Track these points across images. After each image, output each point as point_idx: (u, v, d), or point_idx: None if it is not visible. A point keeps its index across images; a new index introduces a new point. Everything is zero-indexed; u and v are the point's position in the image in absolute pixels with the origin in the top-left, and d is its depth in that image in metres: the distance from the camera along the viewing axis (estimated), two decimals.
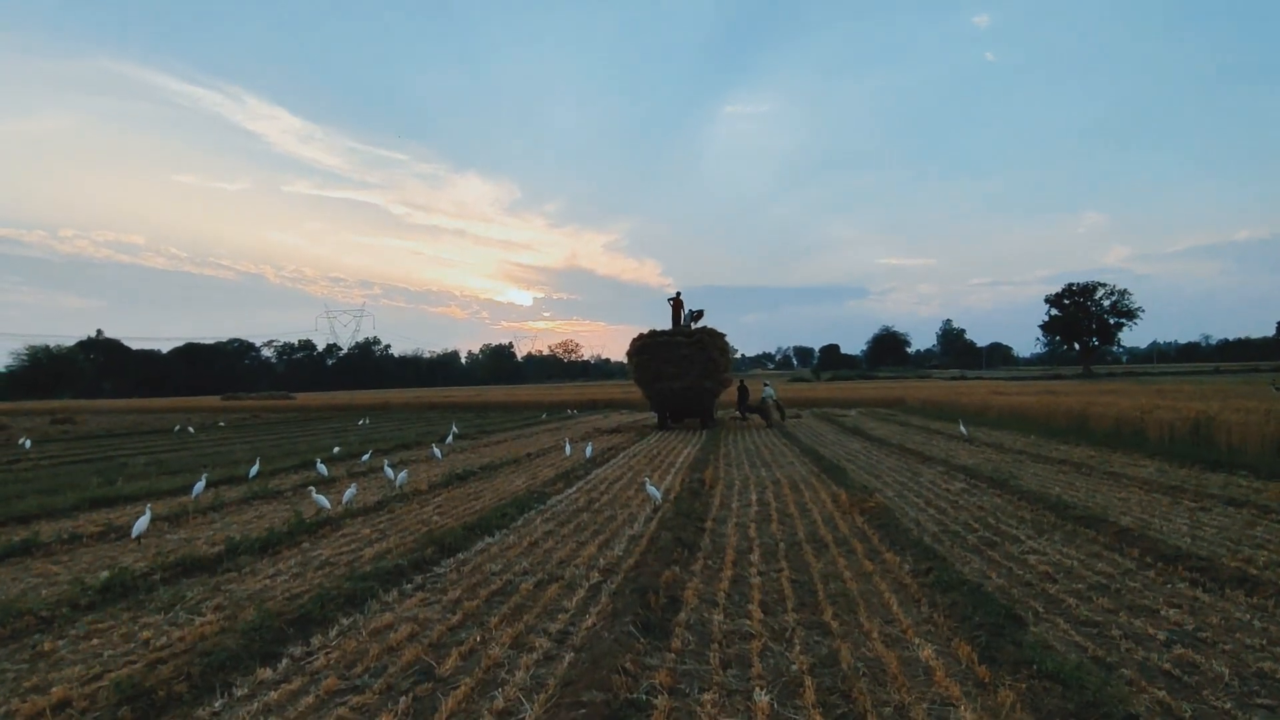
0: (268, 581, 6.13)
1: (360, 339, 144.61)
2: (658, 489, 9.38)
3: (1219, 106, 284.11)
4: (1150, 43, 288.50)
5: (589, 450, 14.49)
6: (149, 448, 21.02)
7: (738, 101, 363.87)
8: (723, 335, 24.24)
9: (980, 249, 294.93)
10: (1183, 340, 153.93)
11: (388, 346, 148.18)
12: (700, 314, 25.80)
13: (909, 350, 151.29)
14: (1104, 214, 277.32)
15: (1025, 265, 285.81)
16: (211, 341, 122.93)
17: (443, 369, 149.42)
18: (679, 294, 26.35)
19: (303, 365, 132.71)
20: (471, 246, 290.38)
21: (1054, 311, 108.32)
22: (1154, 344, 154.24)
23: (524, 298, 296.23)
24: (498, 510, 8.87)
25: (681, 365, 23.08)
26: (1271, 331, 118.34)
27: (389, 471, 11.84)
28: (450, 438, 20.39)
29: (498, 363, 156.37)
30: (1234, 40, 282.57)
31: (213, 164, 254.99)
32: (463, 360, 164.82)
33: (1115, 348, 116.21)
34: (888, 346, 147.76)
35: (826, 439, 18.94)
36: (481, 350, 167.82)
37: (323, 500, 8.99)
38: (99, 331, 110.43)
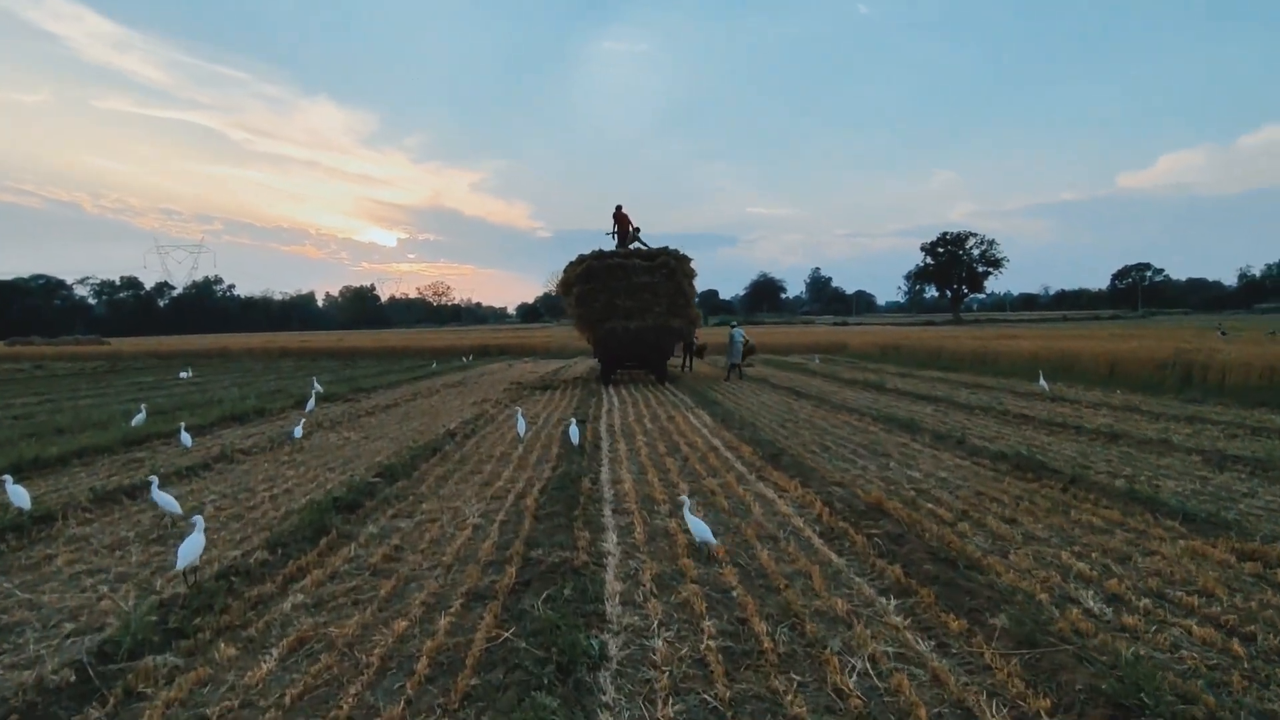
0: None
1: (199, 278, 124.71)
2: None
3: (1051, 75, 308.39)
4: (1005, 9, 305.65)
5: (574, 432, 8.20)
6: None
7: (616, 38, 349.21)
8: (689, 259, 18.29)
9: (842, 201, 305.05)
10: (1016, 292, 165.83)
11: (232, 287, 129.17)
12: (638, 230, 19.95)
13: (783, 297, 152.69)
14: (953, 172, 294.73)
15: (881, 218, 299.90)
16: (11, 278, 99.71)
17: (297, 312, 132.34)
18: (620, 206, 20.05)
19: (128, 307, 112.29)
20: (326, 180, 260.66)
21: (928, 259, 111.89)
22: (992, 294, 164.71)
23: (387, 238, 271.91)
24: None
25: (642, 298, 17.05)
26: (1104, 284, 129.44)
27: (163, 500, 5.24)
28: (312, 402, 13.29)
29: (359, 306, 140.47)
30: (1071, 20, 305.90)
31: (3, 70, 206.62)
32: (319, 303, 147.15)
33: (981, 295, 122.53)
34: (765, 293, 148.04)
35: (857, 400, 13.79)
36: (340, 293, 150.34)
37: None
38: None
